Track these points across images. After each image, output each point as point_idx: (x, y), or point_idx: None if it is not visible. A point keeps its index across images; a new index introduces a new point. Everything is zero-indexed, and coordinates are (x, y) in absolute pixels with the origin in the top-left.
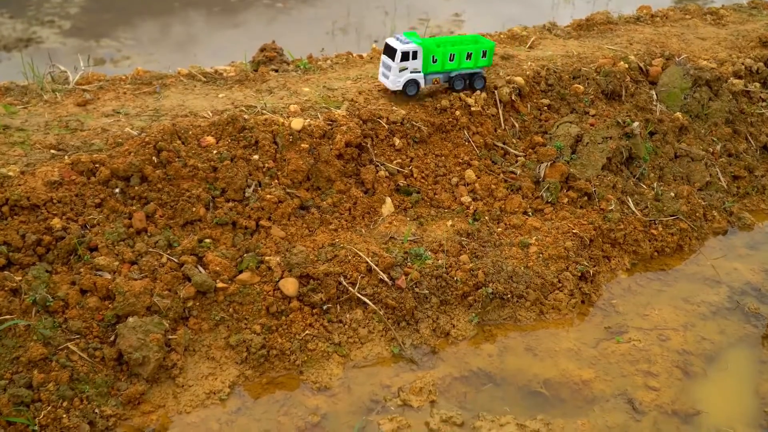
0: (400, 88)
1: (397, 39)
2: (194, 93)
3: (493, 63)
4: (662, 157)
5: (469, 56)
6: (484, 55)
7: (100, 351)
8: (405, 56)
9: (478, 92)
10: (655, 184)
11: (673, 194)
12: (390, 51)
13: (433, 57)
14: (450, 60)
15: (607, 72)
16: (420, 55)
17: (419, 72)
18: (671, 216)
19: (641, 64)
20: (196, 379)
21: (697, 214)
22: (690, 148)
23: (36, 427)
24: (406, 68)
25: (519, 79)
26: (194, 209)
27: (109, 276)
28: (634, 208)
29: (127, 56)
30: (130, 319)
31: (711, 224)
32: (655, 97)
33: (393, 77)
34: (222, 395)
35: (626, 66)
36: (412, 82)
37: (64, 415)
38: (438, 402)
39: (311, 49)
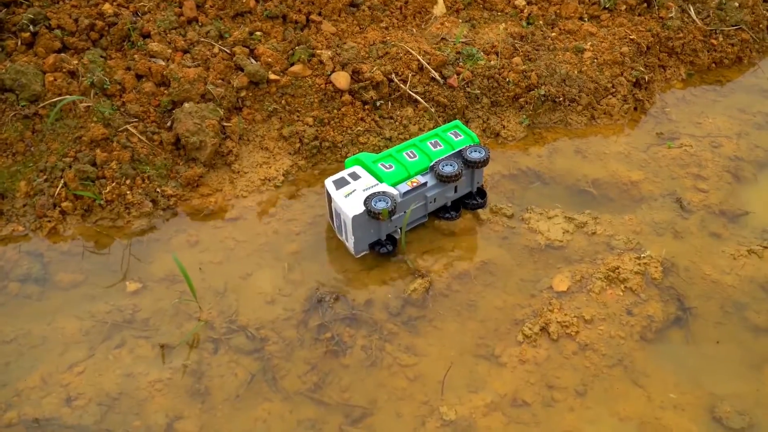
0: None
1: None
2: None
3: None
4: None
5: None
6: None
7: (158, 135)
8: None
9: None
10: None
11: (737, 4)
12: None
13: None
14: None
15: None
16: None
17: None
18: (733, 26)
19: None
20: (251, 167)
21: (761, 26)
22: None
23: (102, 202)
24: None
25: None
26: (244, 0)
27: (162, 63)
28: (695, 17)
29: None
30: (186, 105)
31: None
32: None
33: None
34: (277, 182)
35: None
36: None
37: (128, 192)
38: (487, 196)
39: None
